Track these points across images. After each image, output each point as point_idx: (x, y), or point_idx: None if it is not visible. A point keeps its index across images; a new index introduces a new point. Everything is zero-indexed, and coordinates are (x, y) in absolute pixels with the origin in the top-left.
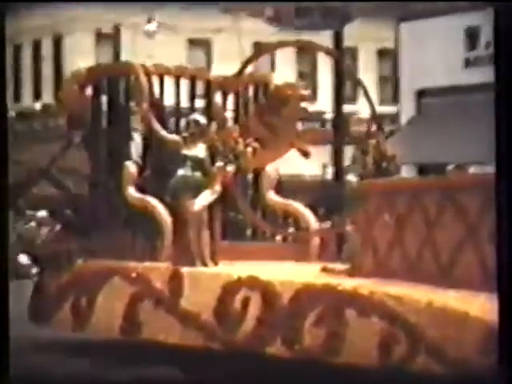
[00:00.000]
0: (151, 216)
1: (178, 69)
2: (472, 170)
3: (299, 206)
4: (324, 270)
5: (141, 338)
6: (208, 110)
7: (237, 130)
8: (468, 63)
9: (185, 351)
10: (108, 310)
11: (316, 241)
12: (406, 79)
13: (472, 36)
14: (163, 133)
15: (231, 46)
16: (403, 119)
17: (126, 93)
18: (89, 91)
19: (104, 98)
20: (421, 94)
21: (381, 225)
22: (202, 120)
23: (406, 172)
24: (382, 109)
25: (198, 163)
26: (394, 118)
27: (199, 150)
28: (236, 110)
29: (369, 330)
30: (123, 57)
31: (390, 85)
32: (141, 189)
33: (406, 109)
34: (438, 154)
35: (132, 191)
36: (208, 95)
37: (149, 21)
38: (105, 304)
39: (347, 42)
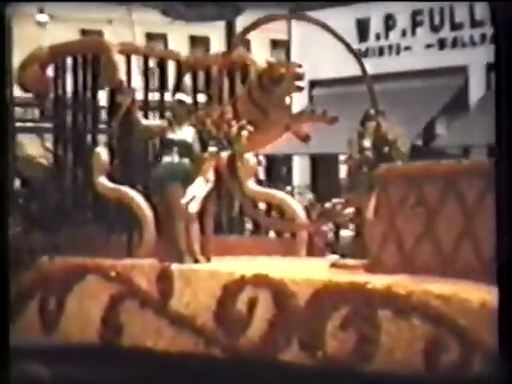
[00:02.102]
0: (128, 208)
1: (146, 48)
2: None
3: (285, 197)
4: (334, 265)
5: (123, 343)
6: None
7: (229, 112)
8: (359, 54)
9: (178, 358)
10: (81, 313)
11: (304, 234)
12: None
13: (362, 28)
14: (145, 121)
15: (123, 37)
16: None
17: (93, 74)
18: (50, 71)
19: (69, 79)
20: (313, 84)
21: (406, 215)
22: (188, 100)
23: (300, 163)
24: None
25: (185, 149)
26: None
27: (186, 134)
28: (207, 92)
29: (408, 335)
30: (15, 48)
31: None
32: (111, 178)
33: (299, 100)
34: (329, 144)
35: (103, 180)
36: (178, 76)
37: (40, 11)
38: (77, 306)
39: None
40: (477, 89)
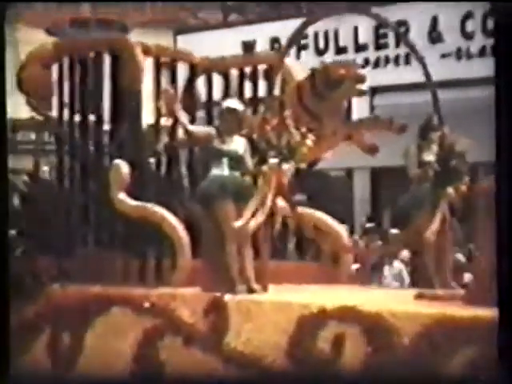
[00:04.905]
0: (156, 229)
1: (158, 48)
2: None
3: (324, 217)
4: (421, 296)
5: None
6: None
7: (290, 118)
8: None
9: None
10: (106, 350)
11: (350, 259)
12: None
13: (248, 50)
14: (191, 126)
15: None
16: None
17: (111, 74)
18: (53, 72)
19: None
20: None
21: None
22: (239, 106)
23: None
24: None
25: (236, 160)
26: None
27: (238, 144)
28: (226, 96)
29: None
30: None
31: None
32: (131, 194)
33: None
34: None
35: (124, 197)
36: (191, 79)
37: None
38: (100, 342)
39: None
40: (360, 112)
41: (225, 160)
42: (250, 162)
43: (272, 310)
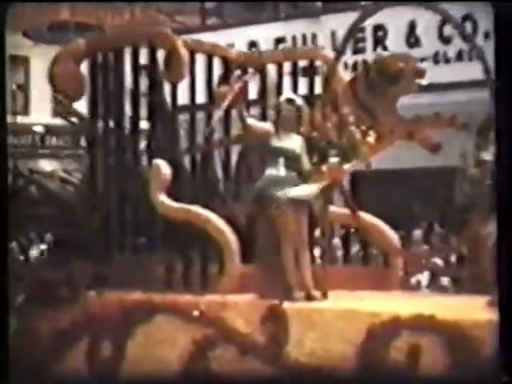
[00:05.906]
0: (203, 232)
1: (193, 43)
2: None
3: (374, 220)
4: (492, 303)
5: None
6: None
7: (350, 115)
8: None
9: None
10: (150, 360)
11: (400, 263)
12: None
13: None
14: (251, 121)
15: None
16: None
17: (151, 71)
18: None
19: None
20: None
21: None
22: (299, 100)
23: None
24: None
25: (293, 159)
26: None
27: (295, 143)
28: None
29: None
30: None
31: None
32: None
33: None
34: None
35: (165, 199)
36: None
37: None
38: (143, 352)
39: None
40: None
41: (281, 159)
42: (306, 161)
43: (336, 318)
